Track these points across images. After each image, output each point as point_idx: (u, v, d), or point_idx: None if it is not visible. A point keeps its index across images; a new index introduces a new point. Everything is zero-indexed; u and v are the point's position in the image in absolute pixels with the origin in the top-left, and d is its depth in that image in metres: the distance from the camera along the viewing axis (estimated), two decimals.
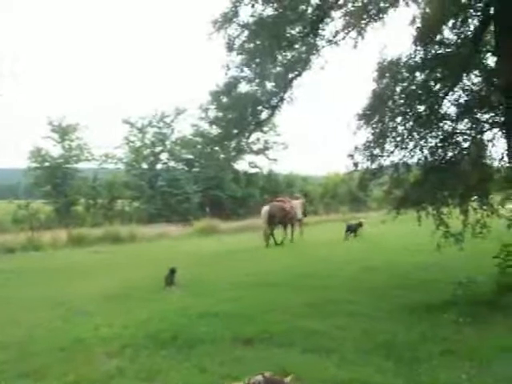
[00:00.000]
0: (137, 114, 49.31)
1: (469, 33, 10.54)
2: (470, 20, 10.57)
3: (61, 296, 11.47)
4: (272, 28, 11.41)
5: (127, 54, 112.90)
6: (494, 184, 11.02)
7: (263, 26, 11.51)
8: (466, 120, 10.77)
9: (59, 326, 8.80)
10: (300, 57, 12.32)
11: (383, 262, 14.79)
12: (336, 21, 11.93)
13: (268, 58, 11.93)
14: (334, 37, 11.99)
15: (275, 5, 11.48)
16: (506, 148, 9.98)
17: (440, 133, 10.64)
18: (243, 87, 12.78)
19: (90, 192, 44.15)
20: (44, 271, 16.07)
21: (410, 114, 10.59)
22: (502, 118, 10.16)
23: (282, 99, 12.79)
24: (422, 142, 10.62)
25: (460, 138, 10.67)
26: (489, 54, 11.03)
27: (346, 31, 11.83)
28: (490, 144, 10.63)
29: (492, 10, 10.09)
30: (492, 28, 10.32)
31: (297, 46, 12.33)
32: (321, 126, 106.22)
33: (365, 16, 11.42)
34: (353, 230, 24.85)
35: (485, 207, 10.38)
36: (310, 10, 11.76)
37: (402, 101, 10.63)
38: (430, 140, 10.63)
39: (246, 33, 11.81)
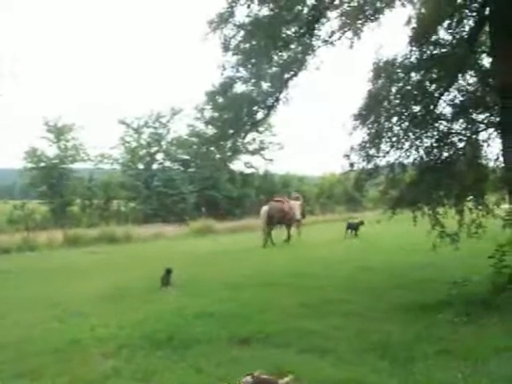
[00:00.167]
0: (133, 114, 49.23)
1: (464, 33, 10.56)
2: (465, 20, 10.60)
3: (57, 296, 11.45)
4: (268, 28, 11.42)
5: (123, 55, 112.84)
6: (490, 184, 11.06)
7: (259, 27, 11.51)
8: (461, 120, 10.80)
9: (55, 326, 8.78)
10: (296, 57, 12.33)
11: (379, 262, 14.81)
12: (332, 21, 11.95)
13: (264, 59, 11.93)
14: (330, 37, 12.00)
15: (271, 5, 11.49)
16: (502, 148, 10.00)
17: (435, 133, 10.66)
18: (239, 87, 12.78)
19: (86, 192, 44.15)
20: (40, 272, 16.04)
21: (406, 114, 10.60)
22: (498, 119, 10.19)
23: (277, 99, 12.79)
24: (417, 142, 10.64)
25: (455, 139, 10.69)
26: (484, 55, 11.08)
27: (342, 31, 11.85)
28: (485, 144, 10.68)
29: (487, 11, 10.12)
30: (487, 28, 10.34)
31: (292, 47, 12.34)
32: (317, 126, 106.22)
33: (361, 16, 11.43)
34: (353, 228, 24.99)
35: (480, 207, 10.41)
36: (305, 10, 11.77)
37: (397, 101, 10.64)
38: (425, 140, 10.65)
39: (242, 33, 11.82)
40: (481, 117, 10.84)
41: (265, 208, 23.72)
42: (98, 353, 7.03)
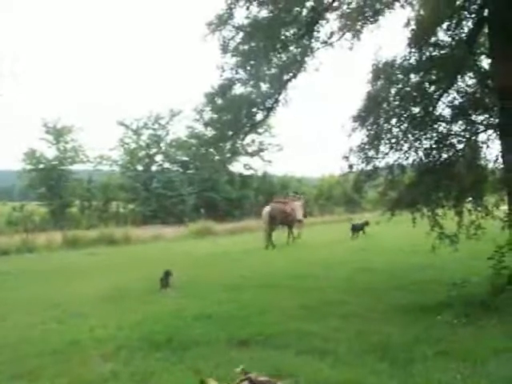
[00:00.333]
0: (132, 115, 49.18)
1: (463, 35, 10.58)
2: (464, 22, 10.62)
3: (56, 298, 11.44)
4: (267, 30, 11.43)
5: (123, 56, 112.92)
6: (489, 185, 11.07)
7: (258, 28, 11.53)
8: (460, 122, 10.82)
9: (54, 327, 8.78)
10: (295, 58, 12.34)
11: (378, 263, 14.81)
12: (331, 23, 11.97)
13: (263, 60, 11.94)
14: (329, 38, 12.03)
15: (270, 7, 11.50)
16: (501, 150, 10.01)
17: (435, 134, 10.67)
18: (238, 89, 12.81)
19: (85, 194, 44.14)
20: (39, 273, 16.03)
21: (405, 115, 10.61)
22: (497, 120, 10.21)
23: (276, 101, 12.81)
24: (416, 144, 10.65)
25: (455, 140, 10.71)
26: (483, 56, 11.09)
27: (342, 33, 11.87)
28: (484, 146, 10.70)
29: (486, 13, 10.14)
30: (486, 30, 10.36)
31: (292, 48, 12.35)
32: (316, 128, 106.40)
33: (360, 18, 11.45)
34: (359, 228, 25.20)
35: (479, 209, 10.43)
36: (304, 11, 11.79)
37: (396, 102, 10.64)
38: (424, 142, 10.66)
39: (241, 34, 11.84)
40: (480, 118, 10.85)
41: (266, 209, 23.84)
42: (97, 354, 7.01)
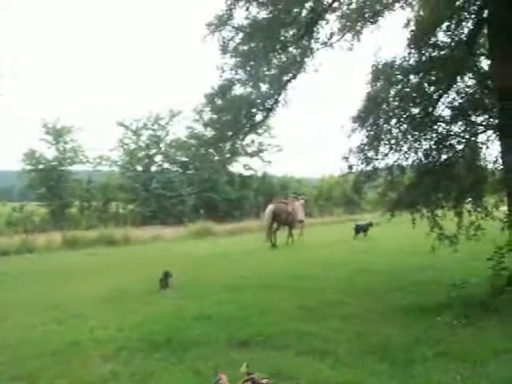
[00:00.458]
0: (132, 116, 49.10)
1: (463, 36, 10.59)
2: (463, 23, 10.63)
3: (56, 298, 11.43)
4: (266, 30, 11.43)
5: (123, 57, 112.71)
6: (488, 186, 11.08)
7: (258, 29, 11.53)
8: (460, 122, 10.83)
9: (54, 328, 8.78)
10: (294, 59, 12.35)
11: (378, 264, 14.81)
12: (331, 23, 11.97)
13: (262, 61, 11.95)
14: (329, 39, 12.03)
15: (269, 7, 11.50)
16: (500, 150, 10.02)
17: (434, 135, 10.68)
18: (238, 89, 12.81)
19: (85, 194, 44.07)
20: (38, 274, 16.01)
21: (405, 116, 10.62)
22: (496, 121, 10.22)
23: (276, 101, 12.81)
24: (416, 145, 10.66)
25: (454, 141, 10.71)
26: (483, 57, 11.10)
27: (342, 34, 11.87)
28: (484, 146, 10.70)
29: (486, 13, 10.15)
30: (486, 31, 10.37)
31: (291, 49, 12.35)
32: (316, 128, 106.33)
33: (360, 19, 11.46)
34: (363, 229, 25.26)
35: (479, 209, 10.44)
36: (304, 12, 11.79)
37: (396, 103, 10.65)
38: (424, 142, 10.67)
39: (241, 35, 11.84)
40: (480, 119, 10.87)
41: (270, 207, 23.99)
42: (97, 355, 7.02)
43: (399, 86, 10.69)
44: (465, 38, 10.53)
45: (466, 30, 10.62)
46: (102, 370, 6.38)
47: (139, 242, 27.24)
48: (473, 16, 10.55)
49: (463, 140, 10.68)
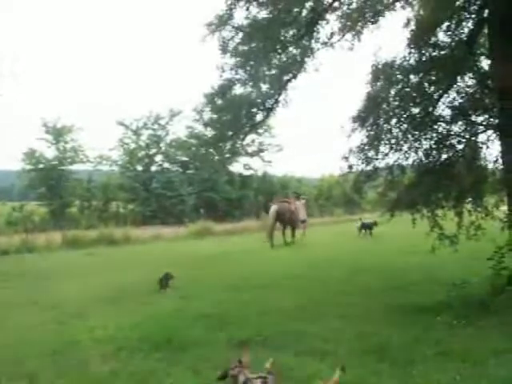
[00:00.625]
0: (132, 115, 49.04)
1: (463, 35, 10.58)
2: (464, 23, 10.62)
3: (55, 298, 11.42)
4: (266, 30, 11.43)
5: (123, 56, 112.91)
6: (489, 186, 11.07)
7: (257, 29, 11.52)
8: (460, 122, 10.82)
9: (54, 328, 8.77)
10: (295, 59, 12.34)
11: (378, 264, 14.82)
12: (331, 23, 11.97)
13: (262, 61, 11.95)
14: (330, 39, 12.02)
15: (270, 7, 11.49)
16: (501, 150, 10.01)
17: (434, 135, 10.67)
18: (238, 89, 12.80)
19: (85, 194, 44.03)
20: (38, 273, 15.99)
21: (405, 116, 10.60)
22: (496, 120, 10.21)
23: (276, 101, 12.81)
24: (416, 144, 10.65)
25: (454, 141, 10.70)
26: (483, 57, 11.08)
27: (342, 34, 11.86)
28: (484, 146, 10.68)
29: (486, 13, 10.13)
30: (486, 31, 10.36)
31: (291, 49, 12.34)
32: (316, 128, 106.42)
33: (361, 18, 11.45)
34: (368, 227, 25.60)
35: (479, 209, 10.43)
36: (304, 12, 11.78)
37: (396, 103, 10.64)
38: (424, 142, 10.66)
39: (241, 35, 11.83)
40: (480, 119, 10.85)
41: (274, 207, 24.15)
42: (97, 355, 7.02)
43: (399, 86, 10.67)
44: (465, 38, 10.53)
45: (466, 30, 10.62)
46: (102, 369, 6.39)
47: (139, 242, 27.21)
48: (473, 16, 10.55)
49: (463, 140, 10.67)
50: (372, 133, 10.63)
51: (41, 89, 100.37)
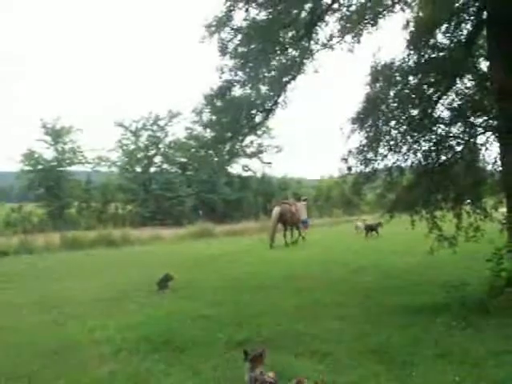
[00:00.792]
0: (132, 116, 49.11)
1: (462, 37, 10.59)
2: (463, 24, 10.63)
3: (54, 299, 11.41)
4: (265, 32, 11.42)
5: (123, 58, 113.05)
6: (487, 188, 11.08)
7: (257, 30, 11.52)
8: (459, 124, 10.82)
9: (52, 329, 8.75)
10: (294, 60, 12.34)
11: (376, 265, 14.81)
12: (331, 25, 11.97)
13: (262, 62, 11.94)
14: (329, 41, 12.03)
15: (269, 9, 11.48)
16: (499, 152, 10.02)
17: (433, 137, 10.68)
18: (237, 91, 12.79)
19: (84, 195, 44.11)
20: (37, 274, 15.99)
21: (404, 117, 10.61)
22: (495, 122, 10.21)
23: (276, 103, 12.80)
24: (415, 146, 10.65)
25: (453, 142, 10.70)
26: (482, 59, 11.08)
27: (342, 35, 11.87)
28: (483, 148, 10.68)
29: (485, 15, 10.14)
30: (485, 32, 10.37)
31: (291, 50, 12.34)
32: (315, 129, 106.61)
33: (360, 20, 11.46)
34: (373, 229, 25.64)
35: (478, 211, 10.43)
36: (303, 14, 11.78)
37: (395, 105, 10.64)
38: (423, 144, 10.66)
39: (240, 37, 11.82)
40: (479, 120, 10.85)
41: (277, 209, 24.35)
42: (96, 356, 7.02)
43: (398, 87, 10.68)
44: (464, 40, 10.54)
45: (465, 32, 10.63)
46: (101, 370, 6.38)
47: (138, 243, 27.19)
48: (472, 17, 10.56)
49: (462, 141, 10.67)
50: (371, 134, 10.64)
51: (41, 89, 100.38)
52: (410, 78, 10.73)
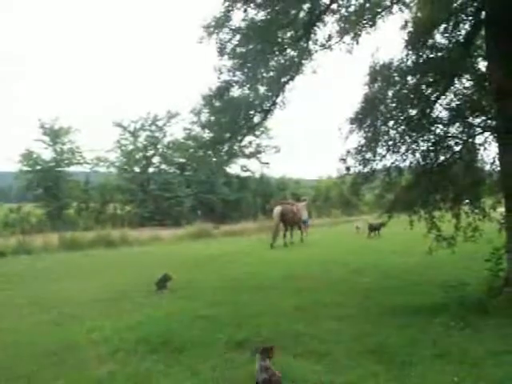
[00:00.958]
0: (129, 117, 49.10)
1: (460, 37, 10.58)
2: (461, 24, 10.62)
3: (52, 299, 11.40)
4: (264, 32, 11.40)
5: (122, 58, 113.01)
6: (486, 188, 11.08)
7: (255, 30, 11.50)
8: (457, 124, 10.81)
9: (51, 329, 8.74)
10: (293, 61, 12.33)
11: (375, 265, 14.84)
12: (329, 25, 11.96)
13: (260, 62, 11.92)
14: (328, 41, 12.02)
15: (267, 9, 11.47)
16: (498, 152, 10.02)
17: (432, 137, 10.68)
18: (235, 91, 12.77)
19: (82, 195, 44.11)
20: (35, 275, 15.98)
21: (402, 117, 10.61)
22: (494, 122, 10.21)
23: (274, 103, 12.78)
24: (413, 146, 10.65)
25: (452, 142, 10.71)
26: (480, 59, 11.08)
27: (340, 36, 11.86)
28: (481, 148, 10.69)
29: (483, 15, 10.14)
30: (483, 32, 10.37)
31: (289, 51, 12.33)
32: (314, 129, 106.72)
33: (359, 21, 11.45)
34: (375, 229, 25.81)
35: (476, 211, 10.43)
36: (301, 14, 11.77)
37: (393, 105, 10.64)
38: (421, 144, 10.67)
39: (238, 37, 11.80)
40: (477, 120, 10.85)
41: (278, 208, 24.45)
42: (94, 356, 7.01)
43: (397, 88, 10.68)
44: (462, 40, 10.53)
45: (463, 32, 10.62)
46: (100, 371, 6.38)
47: (136, 244, 27.16)
48: (470, 18, 10.55)
49: (461, 141, 10.67)
50: (369, 134, 10.64)
51: (41, 89, 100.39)
52: (409, 78, 10.73)
